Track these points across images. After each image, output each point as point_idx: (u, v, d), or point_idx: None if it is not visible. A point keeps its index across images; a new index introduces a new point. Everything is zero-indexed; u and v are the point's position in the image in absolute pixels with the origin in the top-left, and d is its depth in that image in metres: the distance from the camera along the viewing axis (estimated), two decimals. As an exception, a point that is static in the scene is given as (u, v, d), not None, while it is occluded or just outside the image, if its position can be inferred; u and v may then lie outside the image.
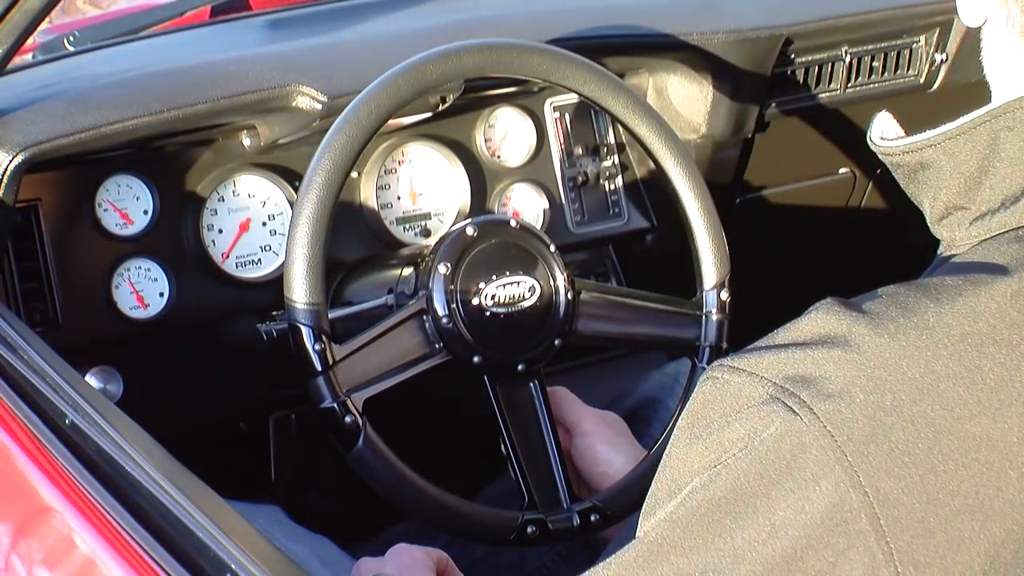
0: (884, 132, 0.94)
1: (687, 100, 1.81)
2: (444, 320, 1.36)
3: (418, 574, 1.14)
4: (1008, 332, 0.79)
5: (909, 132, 0.92)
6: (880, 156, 0.94)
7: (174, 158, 1.59)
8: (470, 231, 1.39)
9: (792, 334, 0.82)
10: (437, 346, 1.37)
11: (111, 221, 1.55)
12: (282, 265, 1.38)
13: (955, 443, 0.77)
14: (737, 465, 0.79)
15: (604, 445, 1.41)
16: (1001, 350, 0.79)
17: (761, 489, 0.78)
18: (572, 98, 1.78)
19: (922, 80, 1.92)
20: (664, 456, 0.84)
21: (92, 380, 1.52)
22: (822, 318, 0.82)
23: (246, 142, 1.60)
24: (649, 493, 0.84)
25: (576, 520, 1.38)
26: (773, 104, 1.85)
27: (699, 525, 0.79)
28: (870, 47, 1.87)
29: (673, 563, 0.80)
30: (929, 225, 0.93)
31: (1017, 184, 0.86)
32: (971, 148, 0.87)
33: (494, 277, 1.38)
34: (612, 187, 1.81)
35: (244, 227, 1.61)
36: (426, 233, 1.68)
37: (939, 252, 0.93)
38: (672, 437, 0.84)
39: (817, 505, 0.76)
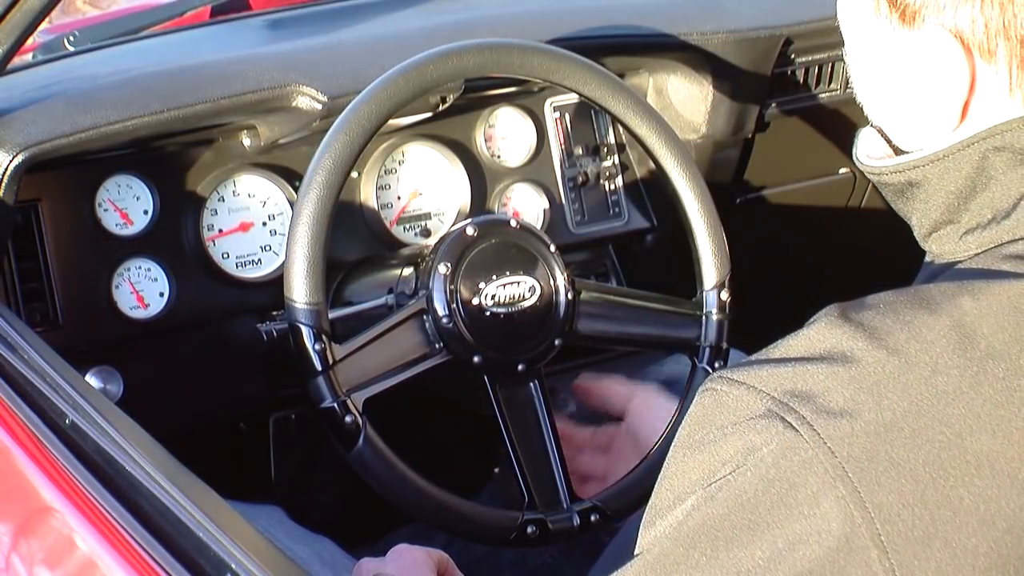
0: (870, 151, 0.94)
1: (687, 100, 1.81)
2: (444, 320, 1.35)
3: (419, 573, 1.14)
4: (1005, 347, 0.80)
5: (896, 148, 0.93)
6: (867, 175, 0.94)
7: (174, 158, 1.59)
8: (470, 231, 1.39)
9: (793, 347, 0.82)
10: (437, 346, 1.37)
11: (111, 221, 1.55)
12: (282, 265, 1.38)
13: (956, 459, 0.77)
14: (738, 482, 0.79)
15: (662, 422, 1.39)
16: (999, 365, 0.79)
17: (763, 507, 0.78)
18: (572, 98, 1.78)
19: (922, 80, 1.92)
20: (664, 467, 0.84)
21: (92, 380, 1.52)
22: (823, 331, 0.81)
23: (246, 142, 1.60)
24: (649, 504, 0.84)
25: (576, 520, 1.38)
26: (773, 104, 1.85)
27: (701, 543, 0.79)
28: (870, 47, 1.87)
29: None
30: (918, 239, 0.93)
31: (1007, 201, 0.86)
32: (960, 168, 0.87)
33: (494, 277, 1.38)
34: (612, 187, 1.80)
35: (244, 227, 1.61)
36: (426, 233, 1.68)
37: (928, 261, 0.93)
38: (672, 447, 0.84)
39: (819, 522, 0.76)
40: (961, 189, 0.88)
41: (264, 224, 1.63)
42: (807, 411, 0.78)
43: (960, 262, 0.89)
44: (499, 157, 1.75)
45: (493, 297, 1.37)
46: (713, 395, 0.82)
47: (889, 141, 0.93)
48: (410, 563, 1.15)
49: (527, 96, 1.76)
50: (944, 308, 0.81)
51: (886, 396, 0.78)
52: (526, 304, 1.39)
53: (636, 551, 0.84)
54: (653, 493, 0.84)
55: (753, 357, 0.83)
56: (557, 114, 1.78)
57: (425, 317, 1.36)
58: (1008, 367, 0.79)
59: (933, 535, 0.76)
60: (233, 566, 0.87)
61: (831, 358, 0.79)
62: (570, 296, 1.41)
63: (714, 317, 1.48)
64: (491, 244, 1.39)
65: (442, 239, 1.40)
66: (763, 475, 0.78)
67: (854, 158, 0.95)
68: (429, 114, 1.57)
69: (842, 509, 0.76)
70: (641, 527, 0.85)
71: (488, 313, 1.37)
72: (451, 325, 1.36)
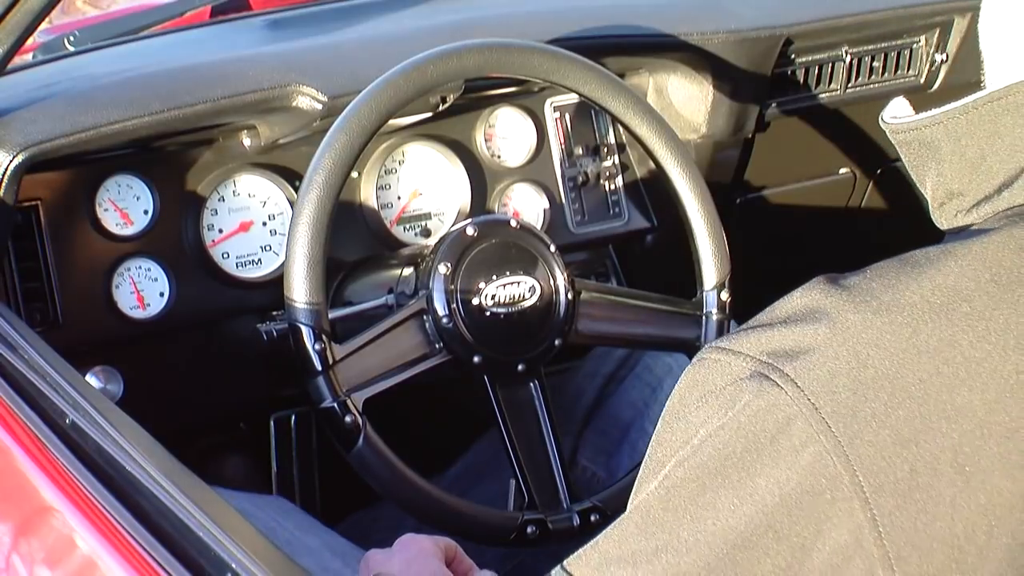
0: (896, 113, 0.96)
1: (687, 100, 1.81)
2: (444, 320, 1.35)
3: (425, 563, 1.14)
4: (985, 306, 0.81)
5: None
6: (888, 134, 0.95)
7: (174, 158, 1.59)
8: (470, 231, 1.39)
9: (778, 312, 0.84)
10: (437, 346, 1.37)
11: (111, 221, 1.55)
12: (282, 265, 1.38)
13: (935, 413, 0.79)
14: (720, 437, 0.80)
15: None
16: (979, 323, 0.80)
17: (747, 458, 0.79)
18: (572, 98, 1.78)
19: (922, 80, 1.92)
20: (653, 437, 0.85)
21: (92, 380, 1.52)
22: (807, 295, 0.83)
23: (246, 142, 1.60)
24: (639, 475, 0.86)
25: (576, 520, 1.38)
26: (773, 104, 1.85)
27: (685, 495, 0.81)
28: (870, 47, 1.88)
29: (658, 535, 0.81)
30: (931, 211, 0.94)
31: (1014, 166, 0.88)
32: (972, 129, 0.88)
33: (494, 277, 1.38)
34: (612, 187, 1.80)
35: (244, 227, 1.61)
36: (426, 233, 1.68)
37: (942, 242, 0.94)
38: (660, 418, 0.85)
39: (802, 473, 0.78)
40: (973, 153, 0.89)
41: (264, 224, 1.63)
42: (790, 369, 0.79)
43: (964, 234, 0.89)
44: (499, 157, 1.75)
45: (493, 297, 1.37)
46: (701, 364, 0.84)
47: (924, 108, 0.94)
48: (416, 553, 1.15)
49: (527, 96, 1.76)
50: (927, 271, 0.83)
51: (869, 354, 0.79)
52: (526, 304, 1.39)
53: (624, 513, 0.85)
54: (642, 466, 0.86)
55: (743, 325, 0.85)
56: (557, 114, 1.78)
57: (425, 317, 1.36)
58: (988, 325, 0.80)
59: (913, 486, 0.78)
60: (233, 566, 0.87)
61: (815, 319, 0.81)
62: (570, 296, 1.41)
63: (714, 317, 1.48)
64: (491, 244, 1.39)
65: (442, 239, 1.40)
66: (746, 430, 0.79)
67: (880, 120, 0.96)
68: (429, 114, 1.57)
69: (824, 461, 0.77)
70: (631, 496, 0.86)
71: (488, 313, 1.37)
72: (451, 325, 1.36)
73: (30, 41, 1.47)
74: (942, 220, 0.93)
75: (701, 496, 0.80)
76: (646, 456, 0.85)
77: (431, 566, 1.14)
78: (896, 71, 1.91)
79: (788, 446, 0.78)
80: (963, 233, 0.88)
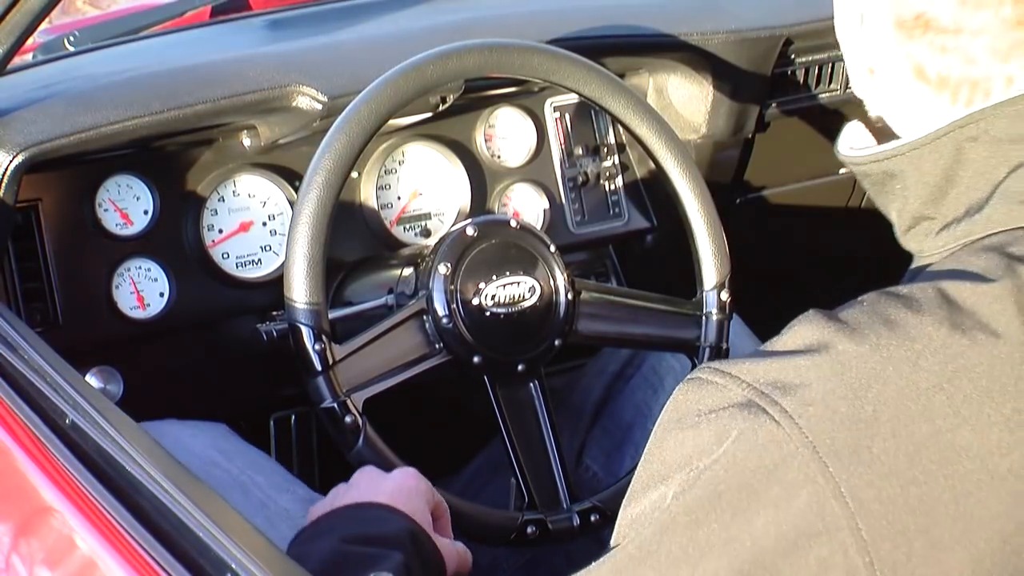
0: (853, 143, 0.95)
1: (687, 100, 1.81)
2: (444, 320, 1.35)
3: (412, 499, 1.14)
4: (985, 344, 0.80)
5: (880, 142, 0.93)
6: (848, 166, 0.95)
7: (174, 158, 1.59)
8: (470, 231, 1.39)
9: (776, 344, 0.83)
10: (437, 346, 1.37)
11: (111, 221, 1.55)
12: (282, 265, 1.38)
13: (936, 454, 0.77)
14: (716, 471, 0.79)
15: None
16: (980, 361, 0.80)
17: (742, 495, 0.78)
18: (572, 98, 1.78)
19: (922, 80, 1.92)
20: (645, 451, 0.85)
21: (92, 380, 1.52)
22: (804, 329, 0.82)
23: (246, 142, 1.60)
24: (630, 486, 0.85)
25: (576, 520, 1.38)
26: (773, 104, 1.85)
27: (680, 530, 0.80)
28: (870, 47, 1.87)
29: (654, 569, 0.80)
30: (898, 237, 0.94)
31: (981, 193, 0.87)
32: (935, 158, 0.88)
33: (494, 277, 1.38)
34: (612, 187, 1.81)
35: (244, 227, 1.61)
36: (426, 233, 1.68)
37: (912, 264, 0.94)
38: (652, 433, 0.85)
39: (798, 514, 0.77)
40: (938, 181, 0.88)
41: (264, 224, 1.63)
42: (787, 403, 0.78)
43: (938, 260, 0.89)
44: (499, 157, 1.75)
45: (493, 297, 1.37)
46: (696, 383, 0.83)
47: (882, 133, 0.94)
48: (411, 489, 1.15)
49: (527, 96, 1.76)
50: (926, 307, 0.82)
51: (868, 390, 0.78)
52: (526, 304, 1.39)
53: (614, 535, 0.84)
54: (634, 477, 0.85)
55: (741, 356, 0.84)
56: (557, 114, 1.78)
57: (425, 317, 1.36)
58: (988, 363, 0.80)
59: (911, 527, 0.77)
60: (233, 566, 0.87)
61: (814, 352, 0.80)
62: (570, 296, 1.41)
63: (714, 317, 1.48)
64: (491, 244, 1.39)
65: (442, 239, 1.40)
66: (741, 466, 0.78)
67: (836, 151, 0.96)
68: (429, 114, 1.57)
69: (821, 502, 0.77)
70: (621, 509, 0.85)
71: (488, 313, 1.37)
72: (451, 325, 1.36)
73: (30, 41, 1.47)
74: (911, 244, 0.93)
75: (696, 532, 0.79)
76: (637, 469, 0.85)
77: (417, 503, 1.14)
78: (896, 71, 1.90)
79: (784, 485, 0.77)
80: (949, 266, 0.87)
